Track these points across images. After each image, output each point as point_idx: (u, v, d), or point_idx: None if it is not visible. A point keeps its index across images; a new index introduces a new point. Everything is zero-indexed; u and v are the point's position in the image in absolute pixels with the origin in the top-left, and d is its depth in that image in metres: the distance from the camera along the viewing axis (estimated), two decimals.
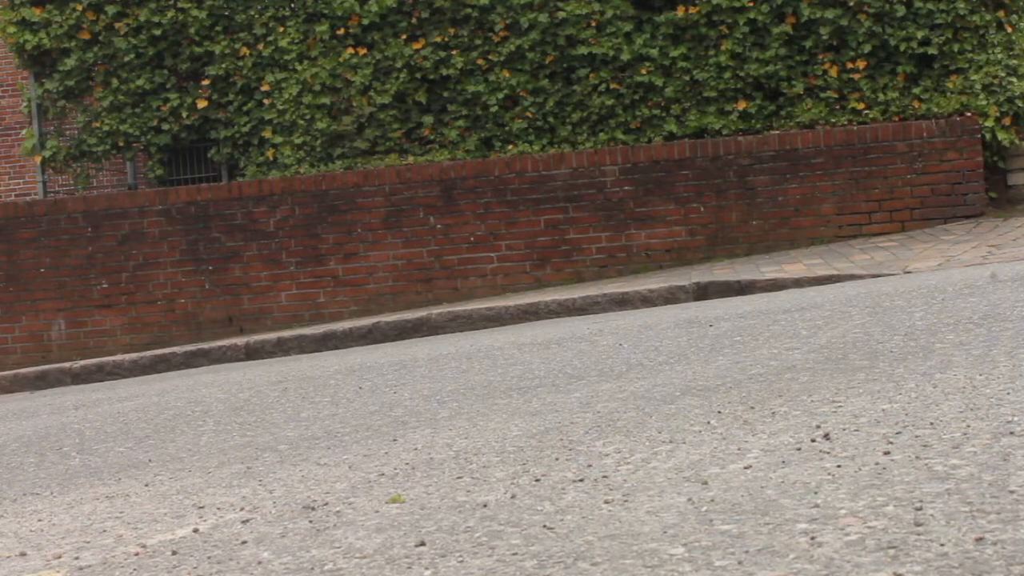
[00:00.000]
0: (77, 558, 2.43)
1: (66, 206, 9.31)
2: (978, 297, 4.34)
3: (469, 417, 3.54)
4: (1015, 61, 9.01)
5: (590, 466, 2.60)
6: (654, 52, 9.13)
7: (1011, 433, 2.32)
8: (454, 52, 9.38)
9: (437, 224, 8.97)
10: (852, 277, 6.55)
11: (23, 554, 2.54)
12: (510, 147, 9.25)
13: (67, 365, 8.09)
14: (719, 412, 3.00)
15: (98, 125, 9.99)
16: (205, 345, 8.01)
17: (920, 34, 8.84)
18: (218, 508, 2.74)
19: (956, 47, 8.89)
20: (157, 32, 9.80)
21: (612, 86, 9.21)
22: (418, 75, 9.45)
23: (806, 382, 3.24)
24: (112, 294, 9.15)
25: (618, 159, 8.89)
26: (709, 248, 8.82)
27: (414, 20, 9.47)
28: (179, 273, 9.10)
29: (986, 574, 1.59)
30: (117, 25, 9.85)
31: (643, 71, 9.16)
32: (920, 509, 1.90)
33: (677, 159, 8.84)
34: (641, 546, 1.92)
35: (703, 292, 7.13)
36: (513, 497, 2.40)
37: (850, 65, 8.96)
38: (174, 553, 2.33)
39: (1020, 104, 8.80)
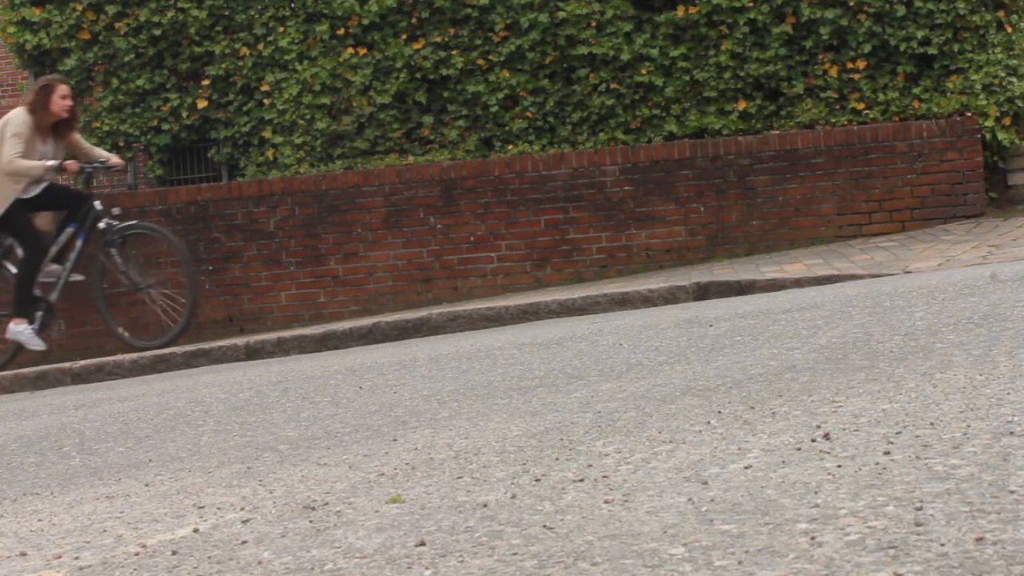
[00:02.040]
0: (77, 558, 2.43)
1: None
2: (978, 297, 4.35)
3: (469, 417, 3.54)
4: (1015, 61, 9.01)
5: (590, 466, 2.60)
6: (654, 52, 9.13)
7: (1011, 433, 2.32)
8: (454, 52, 9.38)
9: (437, 224, 8.98)
10: (852, 277, 6.55)
11: (23, 554, 2.54)
12: (510, 147, 9.25)
13: (67, 365, 8.09)
14: (719, 412, 3.00)
15: (98, 125, 9.99)
16: (205, 345, 8.01)
17: (920, 34, 8.84)
18: (218, 508, 2.74)
19: (956, 47, 8.89)
20: (157, 32, 9.80)
21: (612, 86, 9.21)
22: (418, 75, 9.45)
23: (806, 382, 3.24)
24: (112, 294, 9.14)
25: (618, 159, 8.89)
26: (709, 248, 8.82)
27: (414, 20, 9.47)
28: (179, 273, 9.10)
29: (986, 574, 1.59)
30: (117, 25, 9.85)
31: (643, 71, 9.15)
32: (920, 509, 1.90)
33: (677, 159, 8.84)
34: (641, 546, 1.92)
35: (703, 292, 7.13)
36: (513, 497, 2.40)
37: (850, 65, 8.96)
38: (174, 553, 2.33)
39: (1020, 104, 8.80)
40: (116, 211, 8.84)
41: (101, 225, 8.56)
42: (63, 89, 8.52)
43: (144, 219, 9.13)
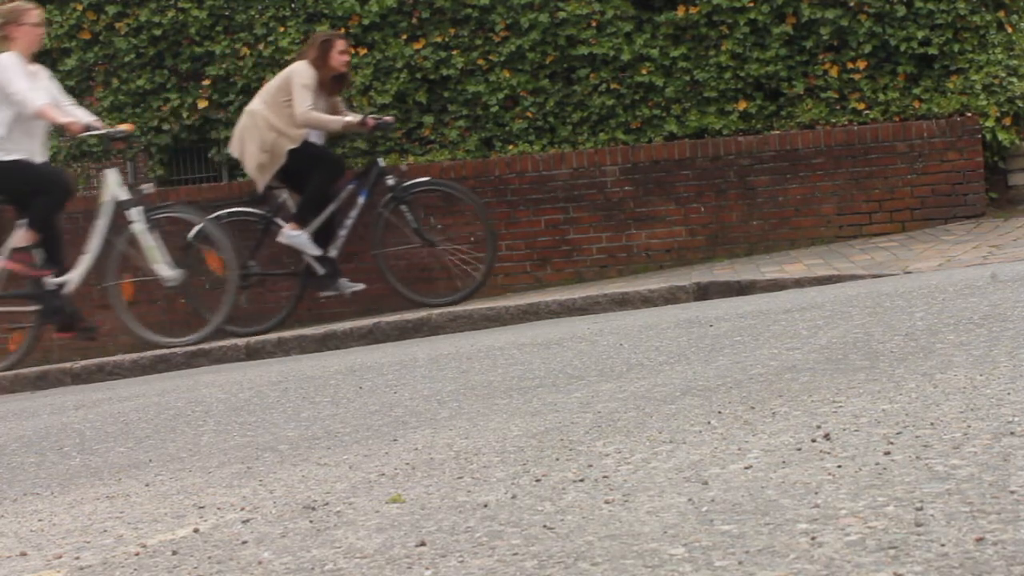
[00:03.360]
0: (77, 558, 2.43)
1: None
2: (978, 297, 4.34)
3: (469, 417, 3.54)
4: (1015, 61, 9.02)
5: (590, 466, 2.60)
6: (654, 52, 9.13)
7: (1012, 433, 2.31)
8: (454, 52, 9.38)
9: (437, 224, 8.97)
10: (853, 277, 6.55)
11: (23, 554, 2.54)
12: (510, 147, 9.25)
13: (67, 365, 8.09)
14: (719, 412, 3.00)
15: None
16: (205, 345, 8.01)
17: (920, 34, 8.84)
18: (218, 508, 2.74)
19: (956, 47, 8.89)
20: (157, 32, 9.80)
21: (612, 86, 9.21)
22: (418, 75, 9.45)
23: (806, 382, 3.24)
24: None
25: (618, 159, 8.89)
26: (709, 248, 8.82)
27: (414, 20, 9.47)
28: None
29: (986, 574, 1.59)
30: (117, 25, 9.86)
31: (643, 71, 9.16)
32: (920, 509, 1.90)
33: (677, 159, 8.84)
34: (641, 546, 1.92)
35: (703, 292, 7.13)
36: (513, 497, 2.40)
37: (850, 65, 8.96)
38: (174, 553, 2.33)
39: (1020, 104, 8.80)
40: (402, 169, 8.74)
41: (390, 181, 8.42)
42: (341, 44, 8.40)
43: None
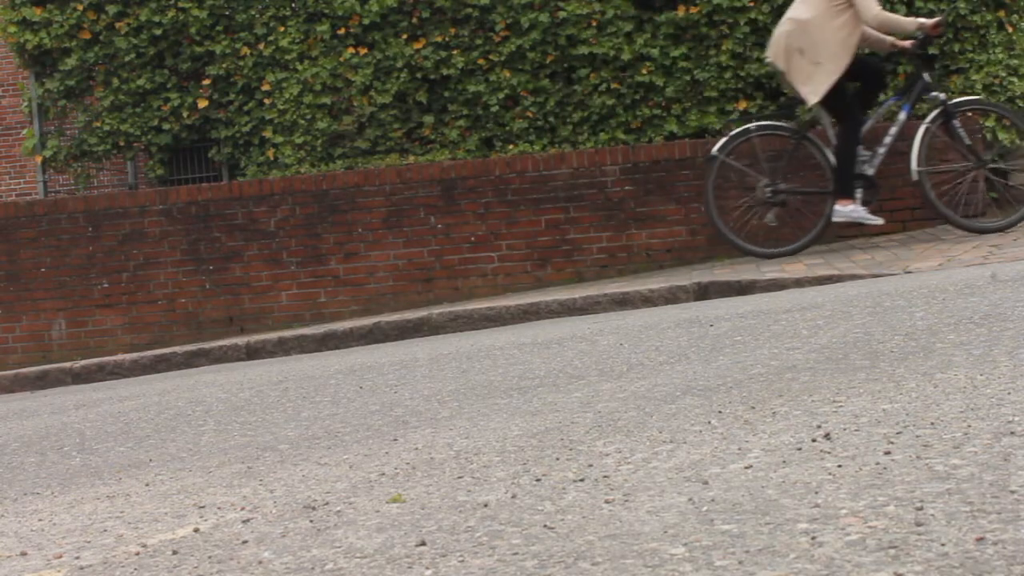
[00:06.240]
0: (78, 558, 2.43)
1: (66, 206, 9.31)
2: (979, 297, 4.34)
3: (470, 417, 3.55)
4: (1016, 61, 9.01)
5: (591, 466, 2.60)
6: (655, 52, 9.13)
7: (1012, 433, 2.31)
8: (455, 52, 9.38)
9: (438, 224, 8.98)
10: (853, 277, 6.55)
11: (24, 554, 2.54)
12: (511, 147, 9.25)
13: (68, 365, 8.09)
14: (720, 412, 3.00)
15: (99, 125, 9.99)
16: (206, 345, 8.01)
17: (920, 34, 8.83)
18: (219, 508, 2.74)
19: (957, 47, 8.89)
20: (158, 32, 9.80)
21: (613, 86, 9.21)
22: (419, 75, 9.45)
23: (807, 382, 3.24)
24: (113, 294, 9.15)
25: (619, 159, 8.88)
26: (710, 248, 8.81)
27: (415, 20, 9.47)
28: (180, 273, 9.11)
29: (987, 574, 1.59)
30: (118, 25, 9.86)
31: (644, 71, 9.16)
32: (921, 509, 1.90)
33: (678, 159, 8.84)
34: (642, 546, 1.92)
35: (704, 292, 7.13)
36: (514, 497, 2.40)
37: None
38: (175, 553, 2.33)
39: (1020, 104, 8.79)
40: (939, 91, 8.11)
41: (940, 96, 7.86)
42: None
43: (145, 218, 9.13)
